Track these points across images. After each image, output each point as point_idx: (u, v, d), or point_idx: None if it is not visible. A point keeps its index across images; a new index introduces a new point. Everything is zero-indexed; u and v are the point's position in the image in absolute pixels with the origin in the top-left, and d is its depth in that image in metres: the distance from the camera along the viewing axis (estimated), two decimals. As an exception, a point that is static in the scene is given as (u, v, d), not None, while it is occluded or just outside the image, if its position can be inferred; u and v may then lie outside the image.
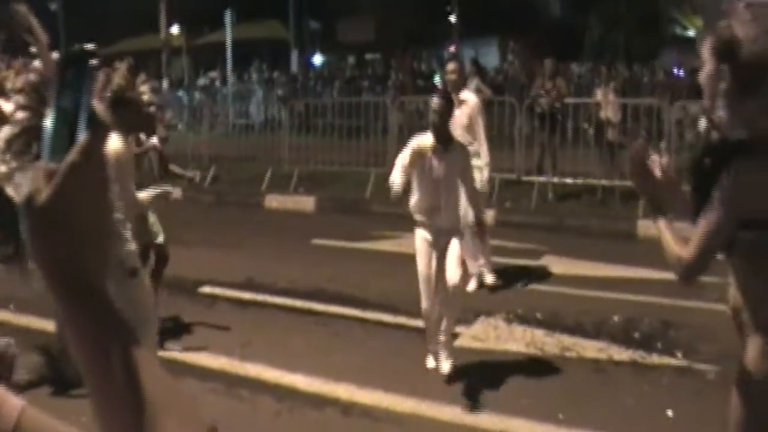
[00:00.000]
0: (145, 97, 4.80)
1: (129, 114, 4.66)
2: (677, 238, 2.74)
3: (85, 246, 0.77)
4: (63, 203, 0.75)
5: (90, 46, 0.83)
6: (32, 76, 4.29)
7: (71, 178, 0.75)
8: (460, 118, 7.94)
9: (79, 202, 0.76)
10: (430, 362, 5.99)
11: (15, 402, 0.66)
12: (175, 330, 6.83)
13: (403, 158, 5.81)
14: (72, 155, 0.76)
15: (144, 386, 0.75)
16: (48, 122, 0.79)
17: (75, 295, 0.76)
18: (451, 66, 8.35)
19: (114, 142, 4.69)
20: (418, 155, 5.74)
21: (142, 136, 6.36)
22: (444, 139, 5.76)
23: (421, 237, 5.83)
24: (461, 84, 8.39)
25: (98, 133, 0.79)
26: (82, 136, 0.78)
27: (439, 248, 5.76)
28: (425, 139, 5.79)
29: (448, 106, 5.82)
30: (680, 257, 2.71)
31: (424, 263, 5.81)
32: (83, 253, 0.76)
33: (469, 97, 8.09)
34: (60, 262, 0.76)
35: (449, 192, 5.77)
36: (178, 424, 0.75)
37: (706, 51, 2.76)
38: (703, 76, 2.80)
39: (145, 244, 6.51)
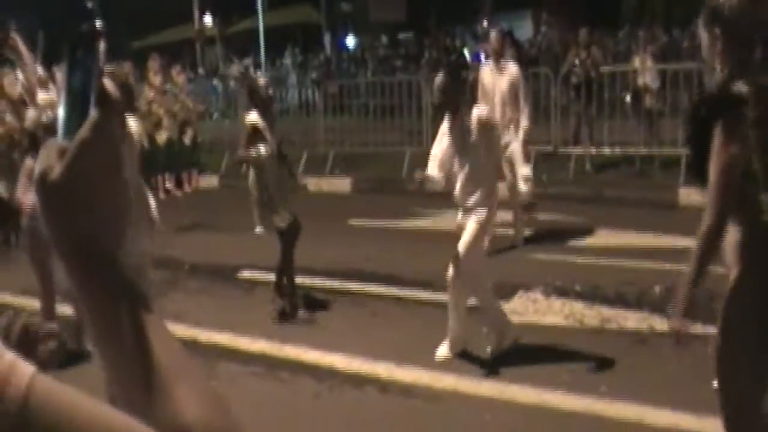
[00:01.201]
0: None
1: (126, 98, 4.71)
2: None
3: (100, 219, 0.78)
4: (76, 179, 0.77)
5: (98, 24, 0.83)
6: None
7: (83, 154, 0.77)
8: (500, 84, 8.06)
9: (92, 176, 0.77)
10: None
11: (25, 369, 0.62)
12: (216, 315, 6.89)
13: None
14: (82, 132, 0.78)
15: (154, 351, 0.76)
16: (61, 102, 0.82)
17: (88, 266, 0.77)
18: (493, 35, 8.66)
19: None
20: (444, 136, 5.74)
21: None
22: (450, 112, 5.65)
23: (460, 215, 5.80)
24: (502, 53, 8.55)
25: (108, 110, 0.80)
26: (92, 114, 0.79)
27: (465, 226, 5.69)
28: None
29: (453, 82, 5.67)
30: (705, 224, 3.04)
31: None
32: (98, 226, 0.78)
33: (510, 66, 8.25)
34: (74, 236, 0.77)
35: (468, 167, 5.61)
36: (188, 389, 0.75)
37: (701, 28, 3.10)
38: (704, 51, 3.10)
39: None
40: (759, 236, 3.05)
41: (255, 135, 6.71)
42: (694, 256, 3.14)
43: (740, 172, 2.95)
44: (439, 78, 5.70)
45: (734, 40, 2.94)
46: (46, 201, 0.77)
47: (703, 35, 3.07)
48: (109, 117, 0.80)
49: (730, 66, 2.95)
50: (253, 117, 6.78)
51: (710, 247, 3.11)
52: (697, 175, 3.13)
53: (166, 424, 0.72)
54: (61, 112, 0.81)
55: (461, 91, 5.81)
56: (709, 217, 3.04)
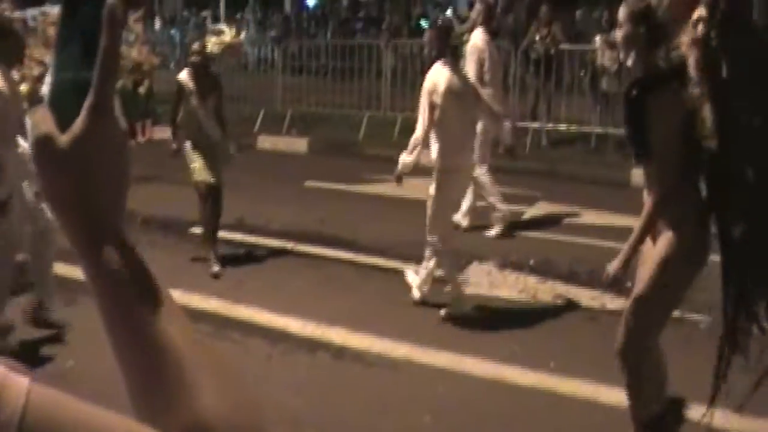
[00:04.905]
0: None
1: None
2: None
3: (108, 191, 0.72)
4: (86, 146, 0.70)
5: None
6: None
7: (95, 121, 0.70)
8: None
9: (104, 145, 0.71)
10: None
11: (20, 381, 0.54)
12: (167, 270, 6.79)
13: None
14: (93, 96, 0.70)
15: (171, 340, 0.69)
16: (67, 43, 0.72)
17: (98, 246, 0.71)
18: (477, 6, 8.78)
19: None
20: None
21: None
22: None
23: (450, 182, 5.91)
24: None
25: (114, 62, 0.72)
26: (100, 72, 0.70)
27: None
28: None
29: (441, 34, 5.92)
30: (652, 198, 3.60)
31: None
32: (106, 199, 0.71)
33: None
34: (83, 209, 0.71)
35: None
36: (210, 381, 0.69)
37: (623, 15, 3.69)
38: (620, 36, 3.72)
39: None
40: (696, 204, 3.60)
41: (179, 95, 6.84)
42: (641, 222, 3.66)
43: (681, 138, 3.46)
44: (428, 32, 6.17)
45: (657, 36, 3.57)
46: (50, 170, 0.70)
47: (625, 26, 3.65)
48: (115, 71, 0.71)
49: (646, 54, 3.61)
50: (181, 76, 6.94)
51: (656, 216, 3.62)
52: (639, 149, 3.64)
53: (186, 421, 0.66)
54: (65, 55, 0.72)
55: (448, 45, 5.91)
56: (657, 185, 3.55)
